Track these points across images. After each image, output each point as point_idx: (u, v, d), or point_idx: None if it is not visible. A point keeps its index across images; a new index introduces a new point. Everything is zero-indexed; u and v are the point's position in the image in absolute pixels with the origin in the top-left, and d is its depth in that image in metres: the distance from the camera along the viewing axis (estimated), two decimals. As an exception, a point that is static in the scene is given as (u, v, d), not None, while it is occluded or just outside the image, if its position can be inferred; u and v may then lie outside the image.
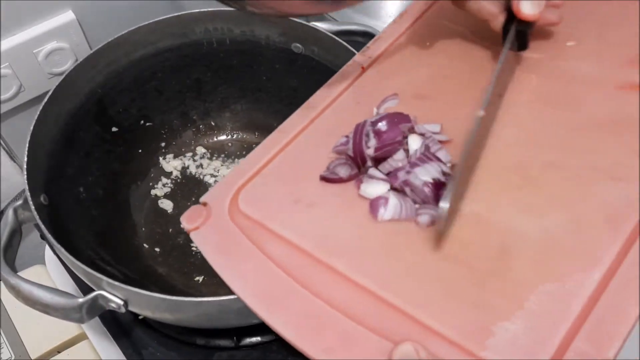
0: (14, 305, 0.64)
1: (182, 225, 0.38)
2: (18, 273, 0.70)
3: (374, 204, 0.36)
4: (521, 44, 0.43)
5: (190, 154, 0.73)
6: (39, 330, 0.65)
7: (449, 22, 0.48)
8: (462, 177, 0.35)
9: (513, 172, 0.36)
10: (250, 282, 0.34)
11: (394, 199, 0.36)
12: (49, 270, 0.68)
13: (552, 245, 0.32)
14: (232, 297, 0.44)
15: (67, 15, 0.68)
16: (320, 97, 0.45)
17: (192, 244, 0.66)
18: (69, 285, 0.65)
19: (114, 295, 0.46)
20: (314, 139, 0.42)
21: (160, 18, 0.62)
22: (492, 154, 0.38)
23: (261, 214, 0.38)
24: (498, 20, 0.42)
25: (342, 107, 0.44)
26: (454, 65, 0.45)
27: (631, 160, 0.35)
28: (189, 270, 0.63)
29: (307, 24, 0.62)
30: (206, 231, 0.38)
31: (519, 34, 0.42)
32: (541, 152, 0.37)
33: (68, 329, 0.65)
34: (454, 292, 0.32)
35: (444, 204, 0.32)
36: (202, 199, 0.39)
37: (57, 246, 0.47)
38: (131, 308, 0.47)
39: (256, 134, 0.74)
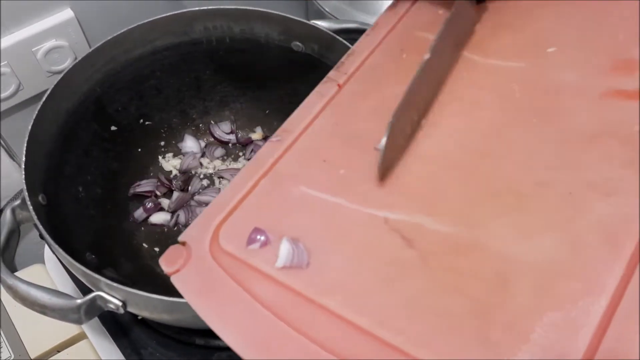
0: (13, 305, 0.64)
1: (163, 269, 0.36)
2: (18, 272, 0.71)
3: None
4: None
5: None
6: (39, 330, 0.64)
7: (424, 32, 0.46)
8: (404, 114, 0.37)
9: (506, 193, 0.35)
10: (239, 328, 0.32)
11: (286, 245, 0.35)
12: (49, 269, 0.67)
13: (552, 270, 0.31)
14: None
15: (66, 13, 0.68)
16: (296, 119, 0.42)
17: (191, 244, 0.66)
18: (68, 285, 0.65)
19: (112, 296, 0.46)
20: (292, 167, 0.40)
21: (160, 16, 0.62)
22: (483, 173, 0.36)
23: (244, 251, 0.35)
24: None
25: (320, 130, 0.42)
26: None
27: (622, 173, 0.33)
28: (189, 270, 0.63)
29: (307, 22, 0.61)
30: (187, 273, 0.34)
31: None
32: (531, 169, 0.36)
33: (67, 328, 0.64)
34: (455, 328, 0.30)
35: (382, 140, 0.34)
36: (180, 238, 0.36)
37: (55, 246, 0.47)
38: (130, 309, 0.47)
39: (256, 132, 0.74)
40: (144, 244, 0.65)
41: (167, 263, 0.35)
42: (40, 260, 0.69)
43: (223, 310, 0.33)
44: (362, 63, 0.45)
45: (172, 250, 0.36)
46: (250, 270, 0.34)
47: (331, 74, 0.45)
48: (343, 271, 0.34)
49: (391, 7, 0.48)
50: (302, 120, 0.42)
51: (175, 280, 0.35)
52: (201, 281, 0.34)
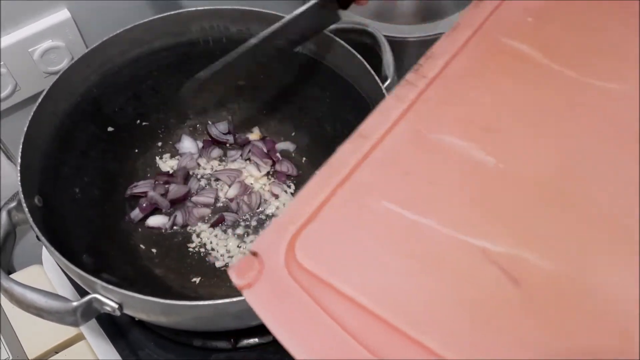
0: (11, 306, 0.64)
1: (233, 281, 0.33)
2: (15, 273, 0.71)
3: None
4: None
5: (187, 153, 0.72)
6: (37, 331, 0.64)
7: (510, 39, 0.42)
8: None
9: (616, 226, 0.31)
10: (320, 354, 0.29)
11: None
12: (46, 270, 0.67)
13: None
14: (227, 300, 0.44)
15: (63, 14, 0.67)
16: (374, 124, 0.39)
17: (189, 244, 0.65)
18: (66, 286, 0.65)
19: (108, 298, 0.46)
20: (371, 178, 0.36)
21: (156, 16, 0.61)
22: (584, 201, 0.33)
23: (324, 268, 0.32)
24: None
25: (401, 138, 0.38)
26: (522, 92, 0.40)
27: None
28: (186, 271, 0.63)
29: (304, 22, 0.61)
30: (261, 289, 0.31)
31: None
32: (633, 197, 0.32)
33: (65, 329, 0.64)
34: None
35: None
36: (252, 248, 0.34)
37: (51, 249, 0.47)
38: (126, 311, 0.47)
39: (253, 132, 0.73)
40: (141, 245, 0.64)
41: (238, 275, 0.32)
42: (39, 261, 0.69)
43: (302, 333, 0.30)
44: (444, 67, 0.42)
45: (243, 261, 0.33)
46: (332, 291, 0.31)
47: (409, 76, 0.41)
48: (435, 304, 0.31)
49: (474, 6, 0.45)
50: (379, 126, 0.39)
51: (248, 296, 0.32)
52: (276, 298, 0.31)
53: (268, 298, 0.31)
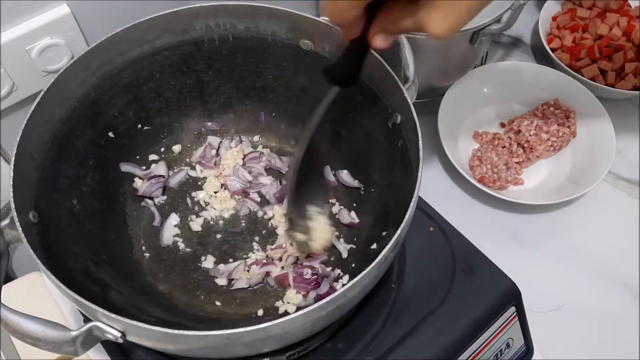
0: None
1: None
2: (14, 280, 0.68)
3: None
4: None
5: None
6: (36, 344, 0.62)
7: None
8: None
9: None
10: None
11: None
12: (45, 278, 0.64)
13: None
14: (241, 330, 0.41)
15: (62, 9, 0.65)
16: None
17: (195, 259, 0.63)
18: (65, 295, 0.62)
19: (110, 326, 0.42)
20: None
21: (157, 14, 0.58)
22: None
23: None
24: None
25: None
26: None
27: None
28: (192, 287, 0.60)
29: (317, 19, 0.58)
30: None
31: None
32: None
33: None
34: None
35: None
36: None
37: (48, 273, 0.44)
38: (129, 339, 0.44)
39: (261, 136, 0.71)
40: (145, 258, 0.62)
41: None
42: (37, 267, 0.67)
43: None
44: None
45: None
46: None
47: None
48: None
49: None
50: None
51: None
52: None
53: None
